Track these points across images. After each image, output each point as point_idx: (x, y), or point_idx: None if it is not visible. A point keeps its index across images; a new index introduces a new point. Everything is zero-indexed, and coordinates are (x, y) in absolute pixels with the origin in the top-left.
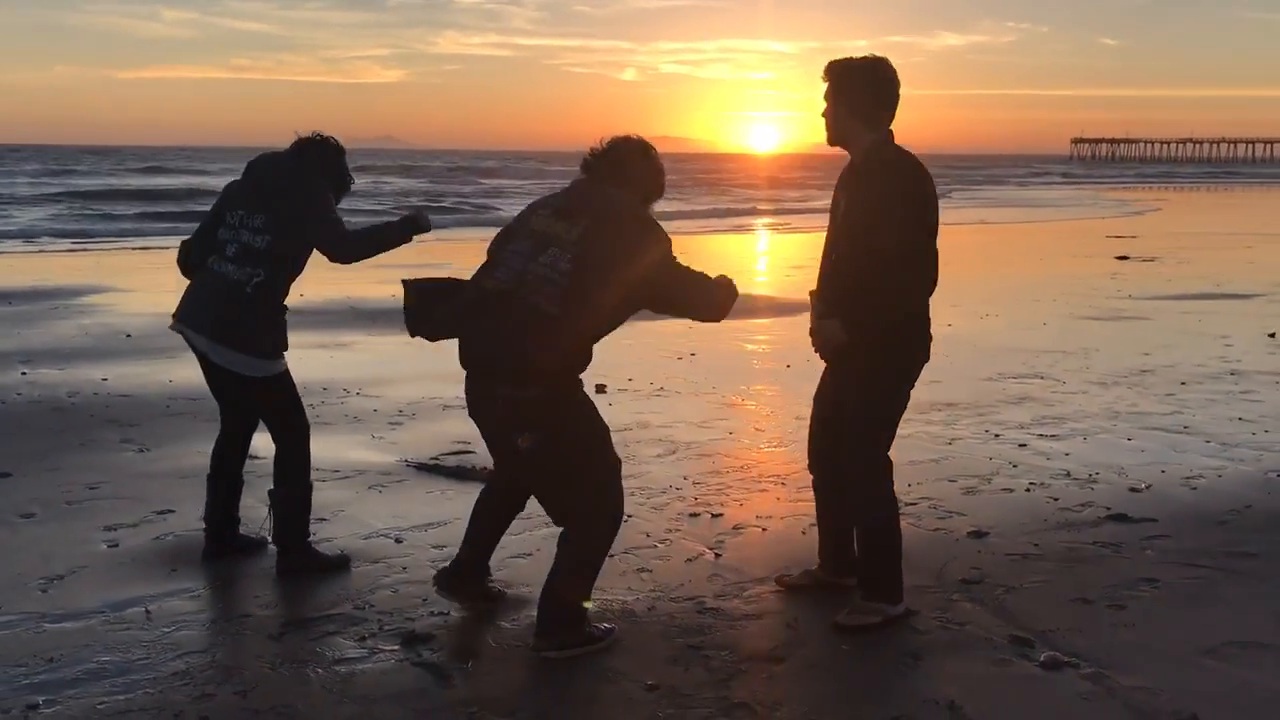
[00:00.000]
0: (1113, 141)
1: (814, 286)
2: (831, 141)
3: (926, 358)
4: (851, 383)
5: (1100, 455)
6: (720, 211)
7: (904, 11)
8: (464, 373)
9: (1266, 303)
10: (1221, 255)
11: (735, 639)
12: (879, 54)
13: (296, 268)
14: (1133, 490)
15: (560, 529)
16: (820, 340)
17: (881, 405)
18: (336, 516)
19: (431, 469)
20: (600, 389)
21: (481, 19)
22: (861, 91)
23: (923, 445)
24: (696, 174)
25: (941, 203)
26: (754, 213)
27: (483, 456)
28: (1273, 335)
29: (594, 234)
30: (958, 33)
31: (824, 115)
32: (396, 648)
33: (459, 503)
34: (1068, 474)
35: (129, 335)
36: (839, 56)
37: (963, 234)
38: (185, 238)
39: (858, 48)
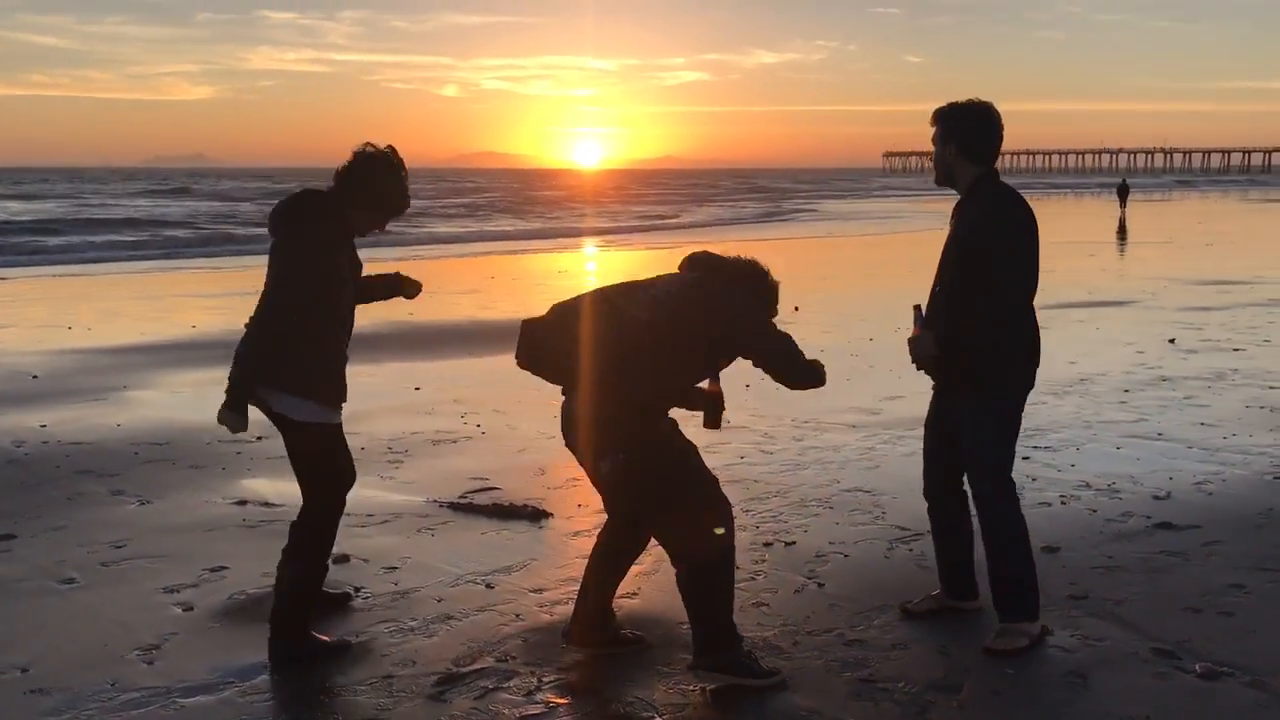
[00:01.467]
0: (922, 154)
1: (919, 301)
2: (940, 180)
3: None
4: (970, 408)
5: (1104, 465)
6: (572, 231)
7: (720, 30)
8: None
9: (1144, 309)
10: (1075, 264)
11: (901, 669)
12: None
13: (310, 306)
14: (1156, 498)
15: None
16: (916, 350)
17: (1004, 425)
18: (405, 564)
19: (467, 509)
20: None
21: (296, 34)
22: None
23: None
24: (528, 191)
25: (783, 217)
26: (605, 231)
27: (509, 492)
28: (1172, 341)
29: None
30: (771, 51)
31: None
32: (568, 699)
33: (522, 542)
34: (1087, 485)
35: (35, 376)
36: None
37: (823, 247)
38: None
39: (676, 64)
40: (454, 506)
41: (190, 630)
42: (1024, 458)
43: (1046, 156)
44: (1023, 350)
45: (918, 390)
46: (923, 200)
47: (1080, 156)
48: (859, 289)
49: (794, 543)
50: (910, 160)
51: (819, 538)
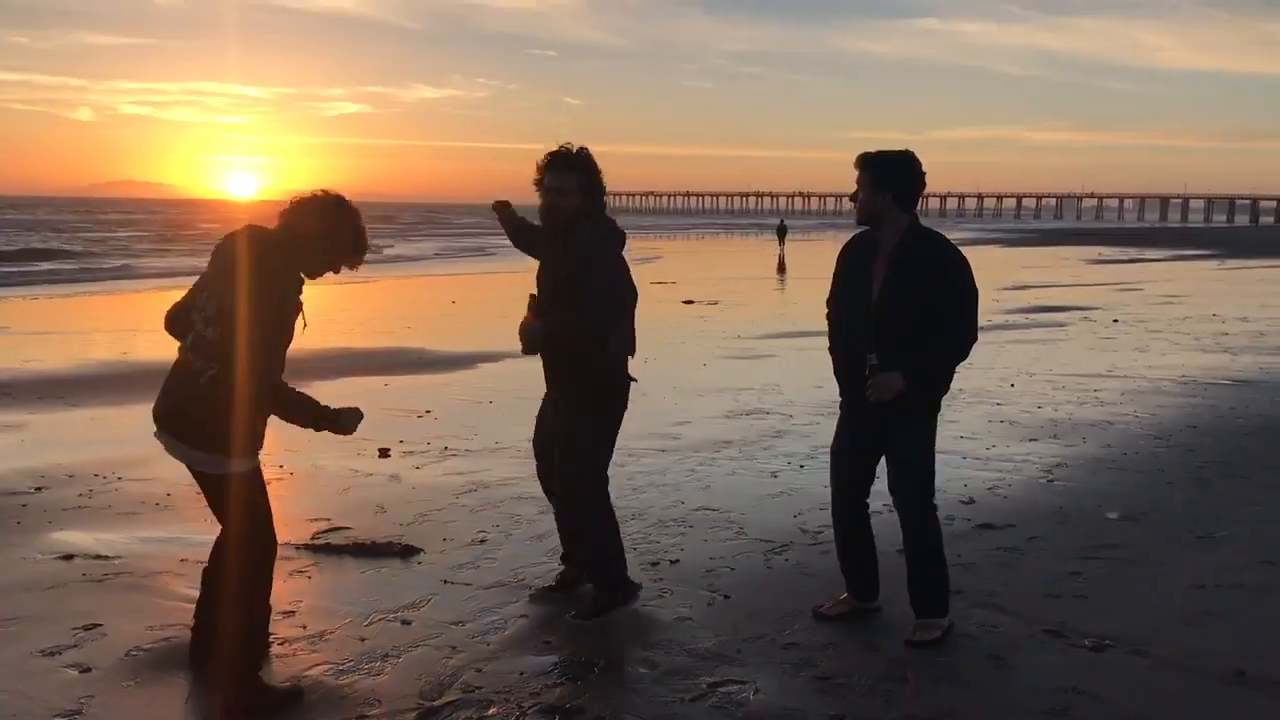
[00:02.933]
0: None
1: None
2: (865, 220)
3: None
4: (905, 428)
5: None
6: None
7: (380, 63)
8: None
9: None
10: (764, 297)
11: (847, 666)
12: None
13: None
14: (963, 503)
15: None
16: (884, 389)
17: (932, 442)
18: (299, 608)
19: (326, 549)
20: (384, 453)
21: None
22: (904, 181)
23: (760, 480)
24: (178, 221)
25: (467, 255)
26: None
27: (361, 531)
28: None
29: None
30: (432, 86)
31: (858, 196)
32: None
33: (408, 578)
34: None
35: None
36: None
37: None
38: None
39: (335, 95)
40: (312, 549)
41: (106, 692)
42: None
43: (700, 198)
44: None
45: (703, 415)
46: None
47: (731, 199)
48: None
49: (678, 561)
50: None
51: (697, 555)
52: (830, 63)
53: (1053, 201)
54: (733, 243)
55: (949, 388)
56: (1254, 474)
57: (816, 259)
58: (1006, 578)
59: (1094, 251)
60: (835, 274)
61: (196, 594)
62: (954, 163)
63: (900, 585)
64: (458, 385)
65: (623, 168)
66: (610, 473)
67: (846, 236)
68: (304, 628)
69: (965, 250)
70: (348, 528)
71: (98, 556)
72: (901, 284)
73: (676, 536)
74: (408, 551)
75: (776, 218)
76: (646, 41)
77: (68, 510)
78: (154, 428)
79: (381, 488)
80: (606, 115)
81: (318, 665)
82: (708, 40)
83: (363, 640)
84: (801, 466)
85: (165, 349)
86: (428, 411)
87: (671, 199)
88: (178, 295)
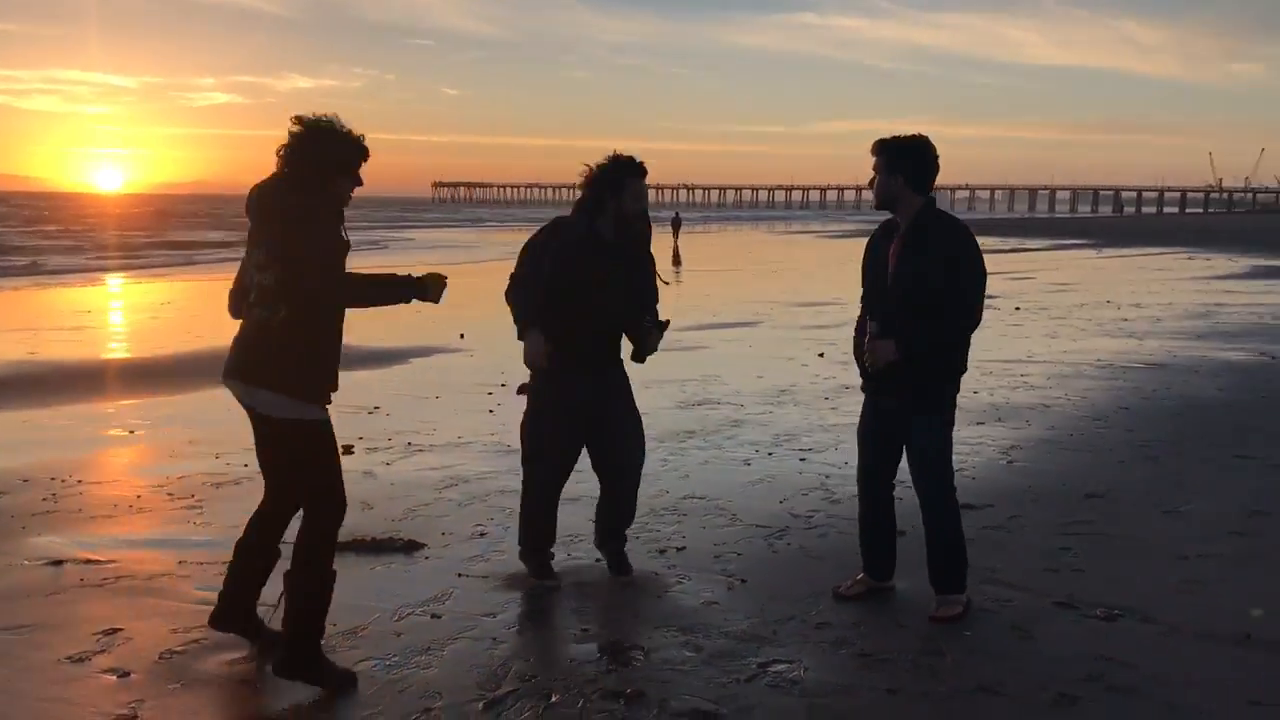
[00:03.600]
0: (470, 185)
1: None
2: (881, 204)
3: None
4: (923, 418)
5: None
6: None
7: (251, 52)
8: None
9: (771, 328)
10: (672, 289)
11: (882, 643)
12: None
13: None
14: None
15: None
16: (879, 355)
17: (949, 432)
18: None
19: None
20: (347, 449)
21: None
22: (915, 164)
23: (735, 468)
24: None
25: (386, 245)
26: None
27: (353, 528)
28: (822, 355)
29: None
30: (307, 76)
31: (874, 180)
32: (622, 705)
33: (422, 573)
34: None
35: None
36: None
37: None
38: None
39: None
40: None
41: (155, 696)
42: (800, 459)
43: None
44: (961, 367)
45: (656, 407)
46: (485, 230)
47: None
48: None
49: (683, 548)
50: (460, 191)
51: (701, 542)
52: (711, 56)
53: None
54: None
55: (959, 382)
56: (1195, 451)
57: (712, 251)
58: (1002, 555)
59: (983, 241)
60: (864, 257)
61: (208, 594)
62: (835, 155)
63: (909, 563)
64: (397, 381)
65: (506, 160)
66: (582, 466)
67: (737, 229)
68: (334, 624)
69: (845, 242)
70: None
71: (88, 561)
72: (914, 264)
73: (674, 525)
74: (411, 547)
75: (666, 211)
76: (525, 32)
77: (37, 515)
78: (227, 382)
79: (359, 484)
80: (486, 107)
81: (364, 660)
82: (587, 31)
83: (399, 635)
84: (770, 454)
85: (75, 345)
86: (377, 408)
87: (557, 191)
88: (61, 290)
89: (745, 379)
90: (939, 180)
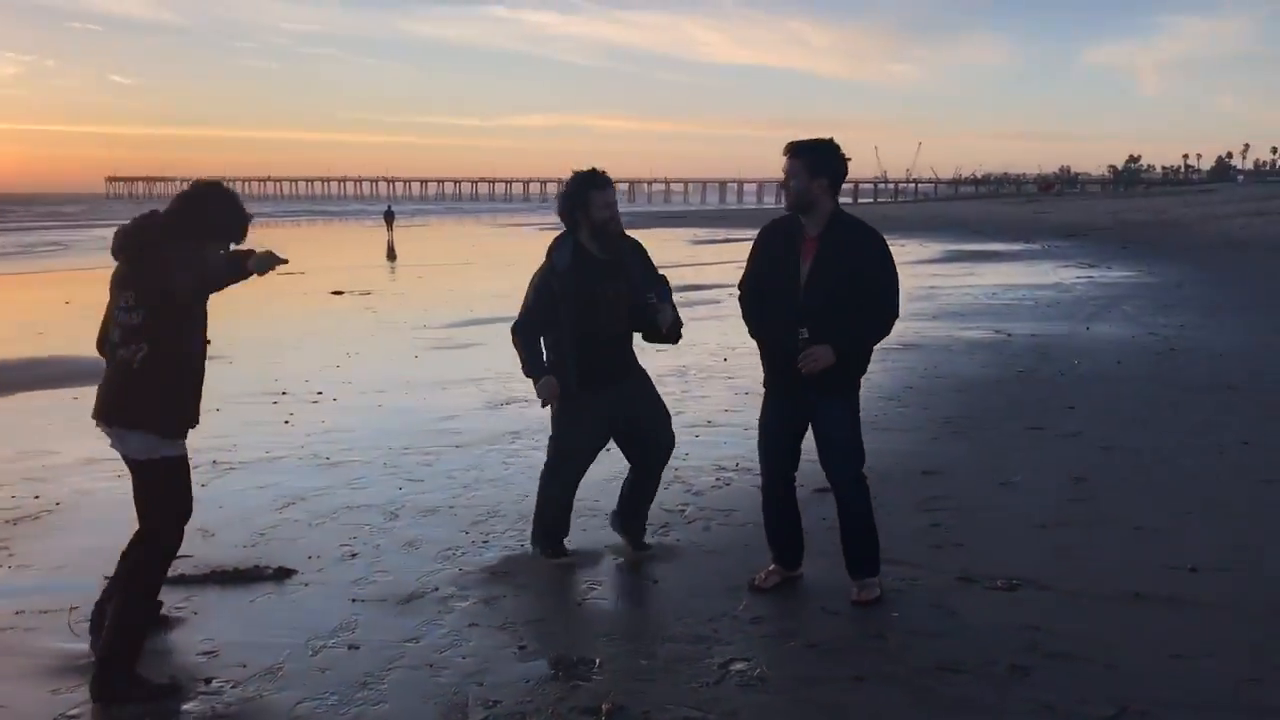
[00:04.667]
0: (149, 180)
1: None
2: (797, 208)
3: None
4: (837, 408)
5: (729, 450)
6: None
7: None
8: None
9: None
10: (411, 285)
11: (823, 633)
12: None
13: (185, 336)
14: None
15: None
16: (819, 361)
17: (859, 419)
18: (221, 646)
19: (181, 581)
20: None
21: None
22: (834, 168)
23: (612, 468)
24: None
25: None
26: None
27: (202, 558)
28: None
29: None
30: None
31: (789, 185)
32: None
33: (309, 601)
34: (736, 465)
35: None
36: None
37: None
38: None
39: None
40: (167, 582)
41: None
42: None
43: (279, 184)
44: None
45: (466, 408)
46: None
47: (311, 184)
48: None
49: (575, 553)
50: (137, 186)
51: (592, 545)
52: (402, 47)
53: (624, 186)
54: (331, 229)
55: (866, 367)
56: (993, 424)
57: (435, 245)
58: (881, 535)
59: (689, 233)
60: (754, 258)
61: (72, 647)
62: (528, 149)
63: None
64: None
65: (189, 152)
66: (429, 474)
67: (450, 222)
68: (244, 665)
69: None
70: (186, 555)
71: None
72: (831, 266)
73: None
74: (282, 574)
75: (363, 203)
76: (202, 18)
77: None
78: (98, 426)
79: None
80: (162, 96)
81: (300, 702)
82: (268, 20)
83: (324, 671)
84: (608, 450)
85: None
86: (291, 416)
87: (246, 185)
88: None
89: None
90: (636, 174)
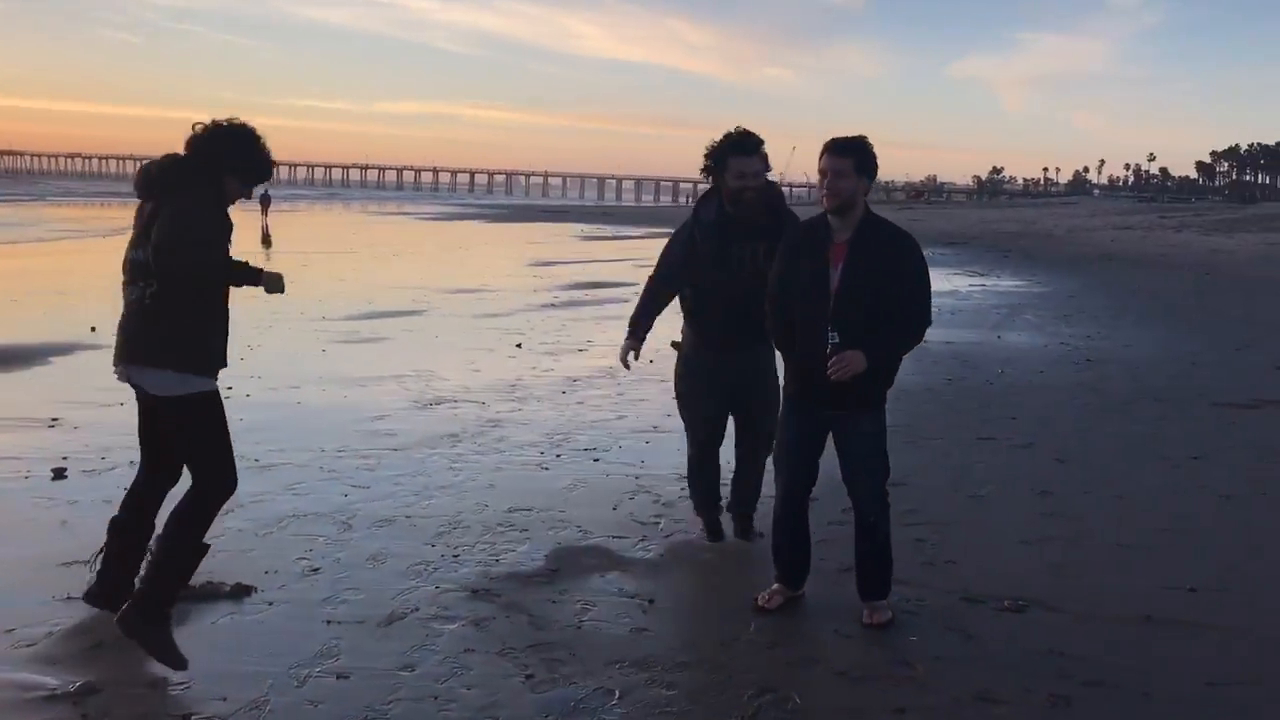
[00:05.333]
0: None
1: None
2: (839, 209)
3: None
4: (867, 423)
5: (666, 458)
6: None
7: None
8: None
9: (442, 316)
10: (299, 274)
11: (838, 655)
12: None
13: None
14: None
15: None
16: (851, 366)
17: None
18: (194, 677)
19: None
20: (59, 474)
21: None
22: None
23: (537, 474)
24: None
25: None
26: None
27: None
28: (520, 345)
29: None
30: None
31: (838, 185)
32: None
33: (275, 621)
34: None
35: None
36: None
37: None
38: None
39: None
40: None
41: None
42: (594, 460)
43: (140, 164)
44: None
45: (393, 408)
46: (22, 205)
47: None
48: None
49: (557, 569)
50: None
51: (570, 561)
52: (273, 27)
53: (502, 178)
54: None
55: (894, 379)
56: (943, 434)
57: (314, 232)
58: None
59: (574, 228)
60: (786, 264)
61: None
62: (400, 136)
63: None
64: (55, 385)
65: (31, 125)
66: (373, 479)
67: (329, 208)
68: (225, 699)
69: (447, 225)
70: None
71: None
72: (863, 272)
73: (523, 543)
74: (240, 591)
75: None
76: None
77: None
78: (115, 368)
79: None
80: (10, 68)
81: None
82: None
83: (316, 705)
84: (558, 456)
85: None
86: (56, 419)
87: (104, 162)
88: None
89: (462, 373)
90: (513, 166)
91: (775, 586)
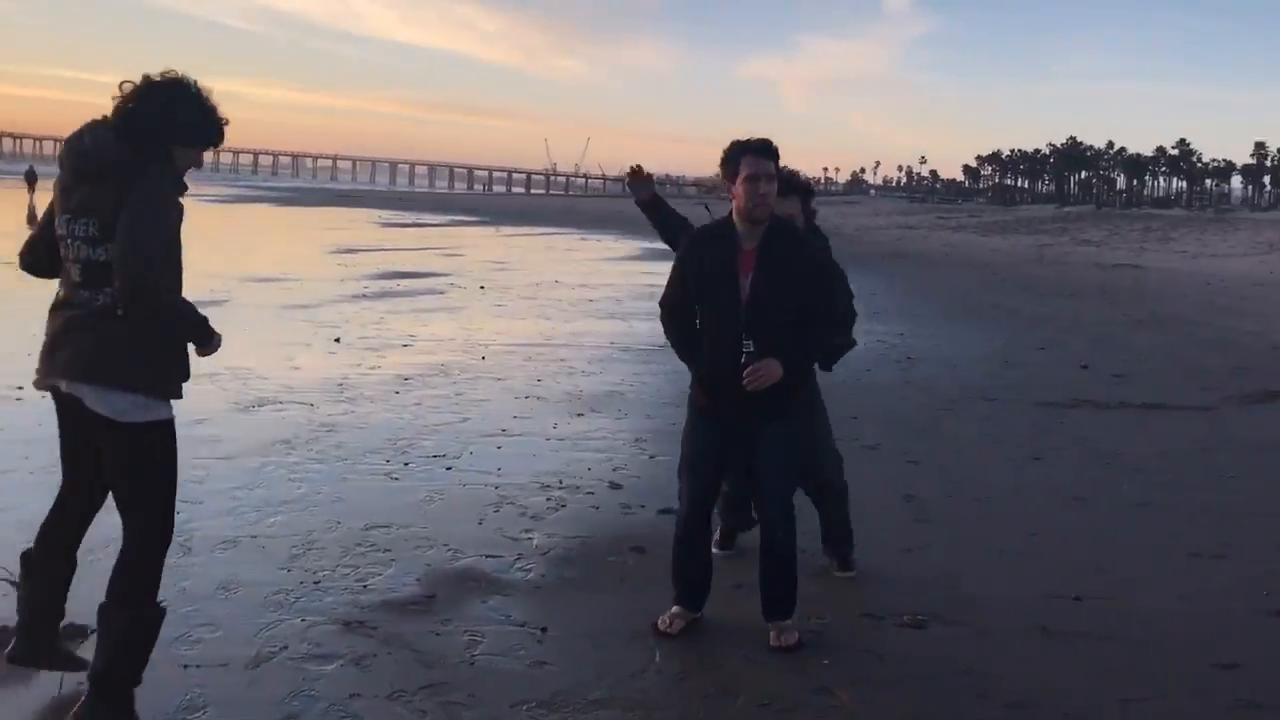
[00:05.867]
0: None
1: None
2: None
3: None
4: (779, 428)
5: (543, 464)
6: None
7: None
8: None
9: (246, 307)
10: None
11: (770, 689)
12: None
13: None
14: (613, 486)
15: None
16: (767, 376)
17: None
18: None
19: None
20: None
21: None
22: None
23: (388, 485)
24: None
25: None
26: None
27: None
28: (338, 340)
29: None
30: None
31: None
32: None
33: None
34: (547, 485)
35: None
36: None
37: None
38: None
39: None
40: None
41: None
42: (445, 468)
43: None
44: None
45: (210, 410)
46: None
47: None
48: None
49: (433, 595)
50: None
51: (446, 587)
52: None
53: (288, 160)
54: None
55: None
56: None
57: None
58: (750, 565)
59: (372, 214)
60: (684, 274)
61: None
62: None
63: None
64: None
65: None
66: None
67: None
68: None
69: (236, 208)
70: None
71: None
72: (777, 278)
73: (389, 566)
74: (74, 633)
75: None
76: None
77: None
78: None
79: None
80: None
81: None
82: None
83: None
84: (406, 464)
85: None
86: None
87: None
88: None
89: (281, 371)
90: (300, 148)
91: (675, 609)
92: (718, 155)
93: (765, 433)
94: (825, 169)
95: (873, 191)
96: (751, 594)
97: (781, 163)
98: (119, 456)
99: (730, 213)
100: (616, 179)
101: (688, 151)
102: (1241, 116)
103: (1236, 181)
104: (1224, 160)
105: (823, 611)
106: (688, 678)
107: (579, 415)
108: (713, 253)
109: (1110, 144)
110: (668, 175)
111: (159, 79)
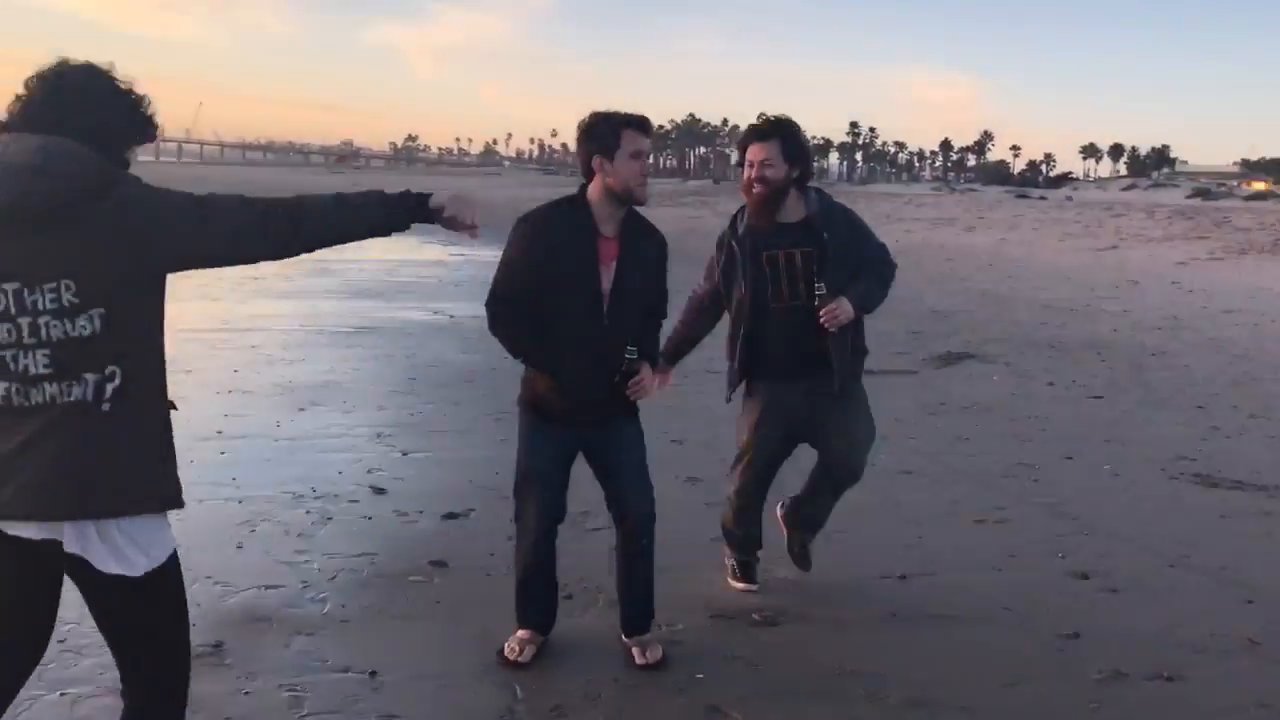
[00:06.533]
0: None
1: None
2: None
3: None
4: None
5: (284, 471)
6: None
7: None
8: None
9: None
10: None
11: (636, 716)
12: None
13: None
14: (378, 490)
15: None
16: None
17: None
18: None
19: None
20: None
21: None
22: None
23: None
24: None
25: None
26: None
27: None
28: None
29: None
30: None
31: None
32: None
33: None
34: (311, 491)
35: None
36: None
37: None
38: None
39: None
40: None
41: None
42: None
43: None
44: None
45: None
46: None
47: None
48: None
49: (221, 644)
50: None
51: (232, 631)
52: None
53: None
54: None
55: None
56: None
57: None
58: (575, 568)
59: None
60: (529, 262)
61: None
62: None
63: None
64: None
65: None
66: None
67: None
68: None
69: None
70: None
71: None
72: (636, 267)
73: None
74: None
75: None
76: None
77: None
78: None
79: None
80: None
81: None
82: None
83: None
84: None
85: None
86: None
87: None
88: None
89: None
90: None
91: (523, 634)
92: (345, 122)
93: (624, 432)
94: (458, 139)
95: (506, 163)
96: (584, 604)
97: (412, 132)
98: (128, 616)
99: (581, 192)
100: (236, 145)
101: (309, 118)
102: (838, 96)
103: (834, 158)
104: (823, 138)
105: (672, 618)
106: (565, 714)
107: (301, 410)
108: (565, 239)
109: (725, 120)
110: (291, 143)
111: (77, 70)
